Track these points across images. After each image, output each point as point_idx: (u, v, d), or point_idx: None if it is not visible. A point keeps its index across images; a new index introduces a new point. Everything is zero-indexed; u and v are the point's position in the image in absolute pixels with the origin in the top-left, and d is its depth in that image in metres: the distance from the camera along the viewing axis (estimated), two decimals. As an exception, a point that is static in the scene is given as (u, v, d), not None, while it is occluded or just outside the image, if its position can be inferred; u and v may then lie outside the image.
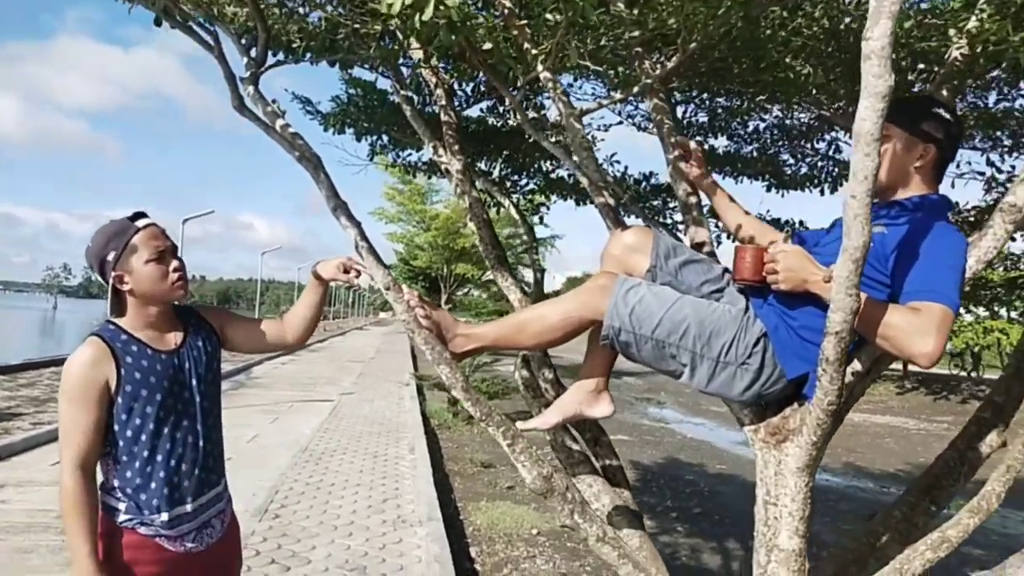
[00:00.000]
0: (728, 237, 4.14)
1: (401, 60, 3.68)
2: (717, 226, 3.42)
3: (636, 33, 2.06)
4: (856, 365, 1.86)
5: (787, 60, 2.43)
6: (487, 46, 1.84)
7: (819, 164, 4.38)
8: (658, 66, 2.26)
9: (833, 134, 4.18)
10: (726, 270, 2.04)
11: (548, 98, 3.63)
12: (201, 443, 1.86)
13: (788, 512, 1.88)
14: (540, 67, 1.98)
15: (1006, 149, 3.17)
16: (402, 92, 3.23)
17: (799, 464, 1.84)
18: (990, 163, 3.30)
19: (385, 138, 4.43)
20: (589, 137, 2.40)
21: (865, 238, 1.47)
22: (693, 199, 2.34)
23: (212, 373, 1.94)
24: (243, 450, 7.57)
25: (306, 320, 2.09)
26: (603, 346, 1.88)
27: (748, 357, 1.84)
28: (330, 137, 4.34)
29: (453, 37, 1.74)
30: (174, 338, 1.87)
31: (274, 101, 2.24)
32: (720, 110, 4.10)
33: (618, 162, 4.02)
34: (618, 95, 2.26)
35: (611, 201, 2.25)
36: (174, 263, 1.82)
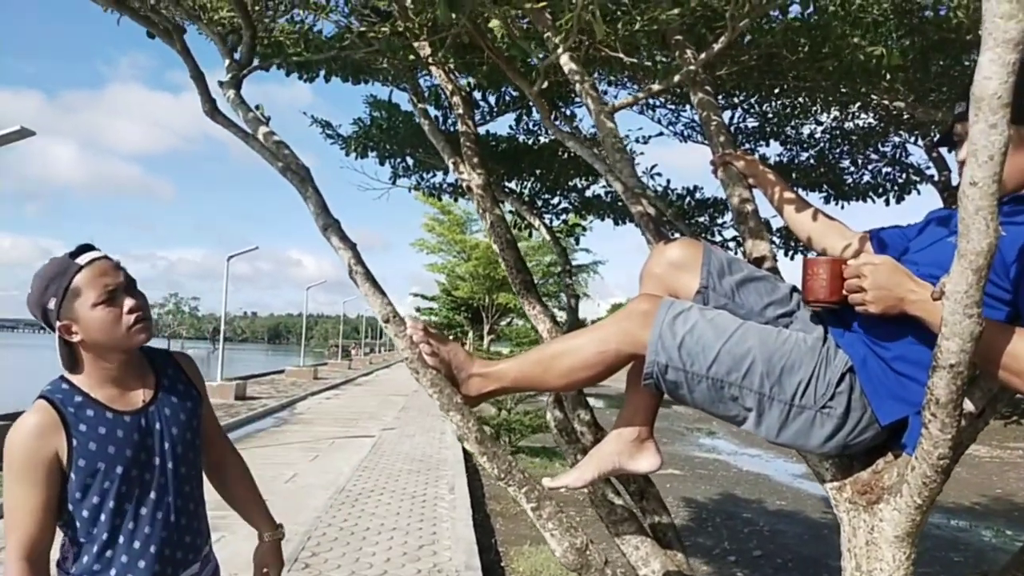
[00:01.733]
0: (792, 252, 3.75)
1: (419, 73, 3.43)
2: (775, 241, 3.03)
3: (675, 12, 1.73)
4: (967, 405, 1.46)
5: (855, 40, 2.07)
6: (494, 23, 1.53)
7: (883, 171, 3.97)
8: (701, 55, 1.92)
9: (898, 137, 3.78)
10: (795, 289, 1.68)
11: (580, 105, 3.32)
12: (173, 518, 1.55)
13: (887, 592, 1.48)
14: (561, 50, 1.65)
15: None
16: (419, 105, 2.96)
17: (898, 532, 1.45)
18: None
19: (409, 160, 4.18)
20: (623, 139, 2.06)
21: (991, 240, 1.10)
22: (749, 207, 1.98)
23: (190, 432, 1.62)
24: (280, 491, 7.31)
25: (236, 500, 1.88)
26: (646, 386, 1.52)
27: (830, 399, 1.46)
28: (351, 161, 4.10)
29: (453, 15, 1.44)
30: (142, 394, 1.56)
31: (257, 107, 1.96)
32: (771, 114, 3.74)
33: (659, 174, 3.67)
34: (656, 86, 1.93)
35: (650, 210, 1.90)
36: (128, 303, 1.50)
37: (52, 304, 1.46)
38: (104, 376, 1.51)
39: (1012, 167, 1.43)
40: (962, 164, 1.50)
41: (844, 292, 1.39)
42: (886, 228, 1.81)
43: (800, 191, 4.10)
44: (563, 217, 4.23)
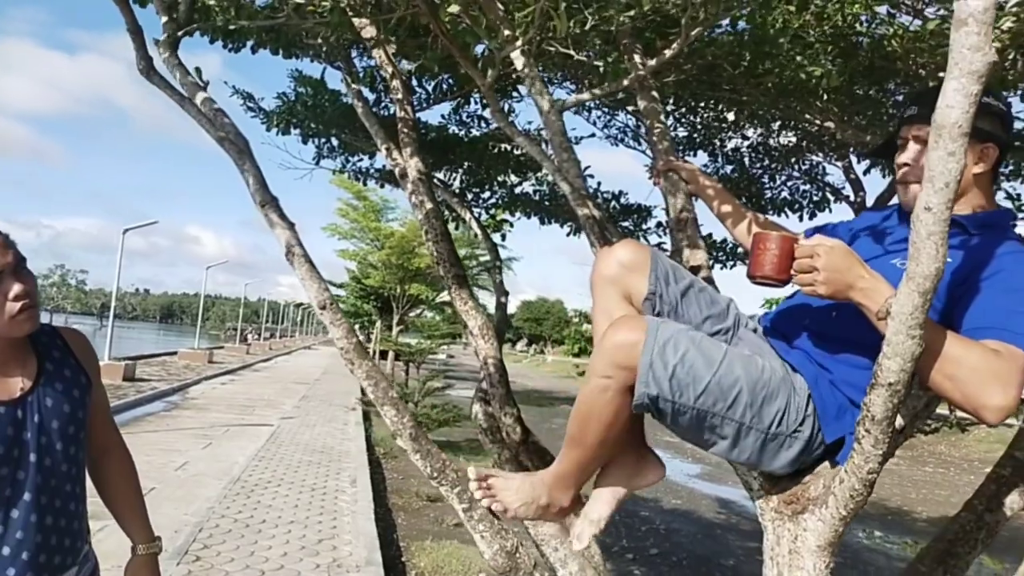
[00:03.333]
0: (723, 263, 3.84)
1: (354, 53, 3.31)
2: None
3: (631, 13, 1.72)
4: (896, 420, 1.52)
5: (797, 59, 2.12)
6: (453, 8, 1.47)
7: (801, 187, 4.13)
8: (651, 61, 1.92)
9: (817, 156, 3.94)
10: (731, 302, 1.69)
11: (518, 101, 3.29)
12: (51, 520, 1.39)
13: (806, 600, 1.52)
14: (520, 42, 1.61)
15: None
16: (353, 86, 2.85)
17: (820, 542, 1.48)
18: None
19: (335, 141, 4.03)
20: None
21: (939, 264, 1.13)
22: (688, 214, 2.00)
23: (74, 426, 1.45)
24: (169, 479, 6.95)
25: (115, 502, 1.63)
26: (636, 408, 1.44)
27: (800, 424, 1.46)
28: (272, 137, 3.92)
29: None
30: (20, 382, 1.39)
31: (197, 70, 1.82)
32: (701, 125, 3.83)
33: (591, 176, 3.69)
34: (607, 87, 1.91)
35: (595, 213, 1.89)
36: (15, 288, 1.32)
37: None
38: None
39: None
40: (901, 167, 1.53)
41: (792, 271, 1.36)
42: (820, 227, 1.85)
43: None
44: (491, 212, 4.18)
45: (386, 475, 8.59)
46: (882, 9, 2.24)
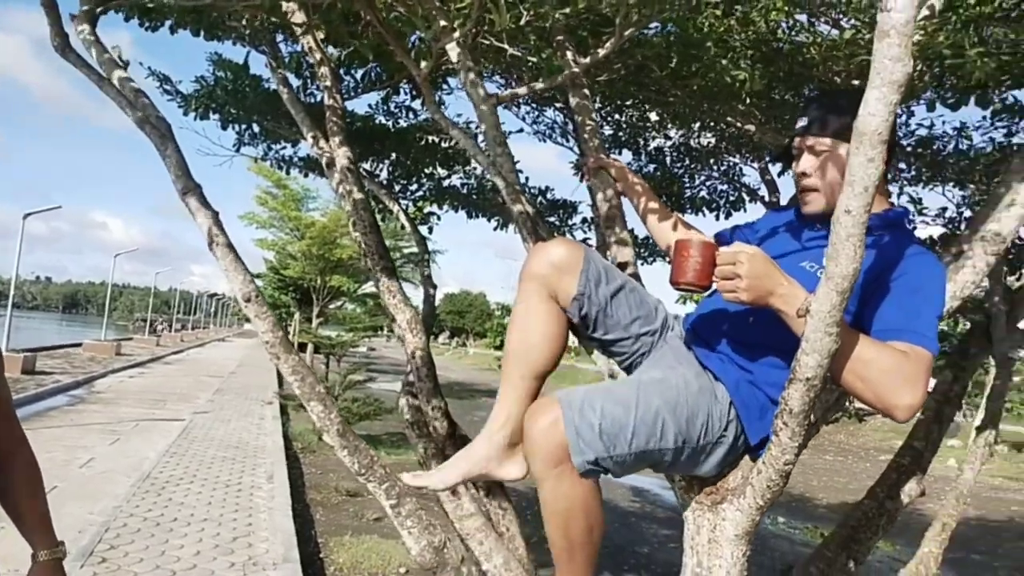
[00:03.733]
0: (645, 259, 3.92)
1: (280, 38, 3.21)
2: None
3: (566, 11, 1.73)
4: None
5: (722, 63, 2.18)
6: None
7: (719, 188, 4.26)
8: (581, 58, 1.94)
9: (735, 158, 4.07)
10: (659, 303, 1.73)
11: (448, 93, 3.27)
12: None
13: (724, 587, 1.58)
14: (457, 34, 1.60)
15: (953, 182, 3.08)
16: (278, 71, 2.76)
17: (738, 531, 1.55)
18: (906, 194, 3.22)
19: (256, 128, 3.91)
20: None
21: (856, 265, 1.19)
22: (616, 212, 2.04)
23: None
24: (74, 477, 6.60)
25: (16, 505, 1.48)
26: (585, 478, 1.43)
27: (725, 429, 1.52)
28: (190, 122, 3.76)
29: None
30: None
31: (115, 47, 1.73)
32: (626, 124, 3.89)
33: (520, 171, 3.70)
34: (541, 83, 1.92)
35: (528, 209, 1.90)
36: None
37: None
38: None
39: (840, 180, 1.54)
40: (800, 176, 1.59)
41: (714, 278, 1.39)
42: (728, 230, 1.91)
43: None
44: (418, 204, 4.14)
45: (304, 470, 8.41)
46: (803, 17, 2.33)
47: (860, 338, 1.34)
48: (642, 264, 4.02)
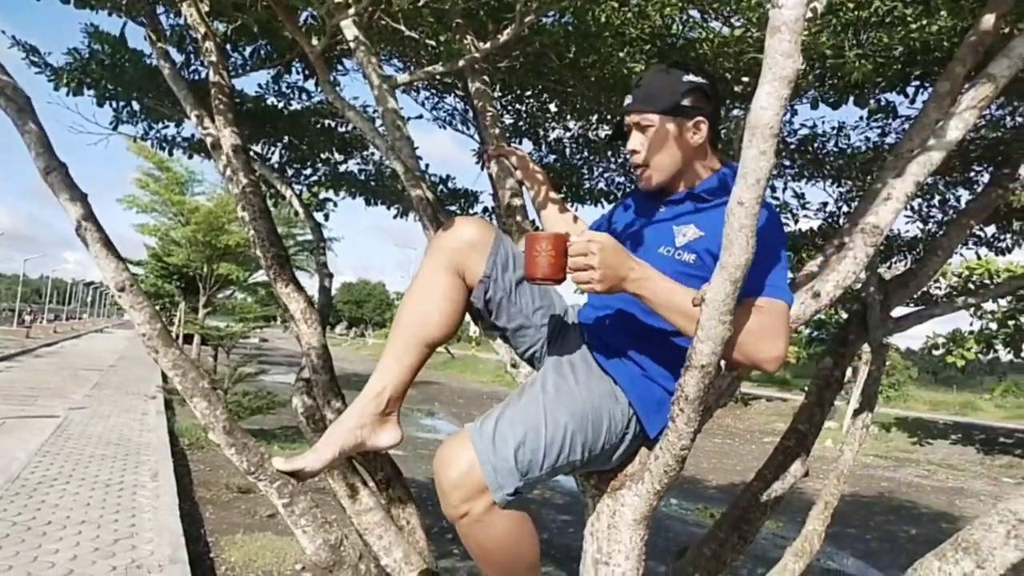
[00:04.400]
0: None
1: (161, 10, 3.01)
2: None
3: (466, -6, 1.69)
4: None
5: (619, 54, 2.20)
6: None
7: (616, 179, 4.34)
8: (481, 43, 1.91)
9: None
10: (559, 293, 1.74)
11: (343, 74, 3.16)
12: None
13: (622, 572, 1.60)
14: (352, 11, 1.53)
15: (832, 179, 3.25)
16: (159, 45, 2.59)
17: (636, 516, 1.57)
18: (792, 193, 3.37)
19: (136, 105, 3.65)
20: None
21: (749, 255, 1.23)
22: (518, 201, 2.03)
23: None
24: (-73, 481, 6.04)
25: None
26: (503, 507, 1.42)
27: (627, 427, 1.55)
28: (62, 97, 3.48)
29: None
30: None
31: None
32: (526, 113, 3.89)
33: (420, 158, 3.63)
34: (440, 67, 1.87)
35: (428, 195, 1.85)
36: None
37: None
38: None
39: (672, 151, 1.57)
40: (631, 153, 1.62)
41: (568, 269, 1.38)
42: (606, 213, 1.93)
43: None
44: (313, 190, 4.00)
45: (192, 467, 8.05)
46: (696, 13, 2.39)
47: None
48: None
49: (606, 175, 4.31)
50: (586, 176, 4.36)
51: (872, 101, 2.60)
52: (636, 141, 1.60)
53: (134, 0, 2.74)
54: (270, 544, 5.34)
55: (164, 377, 16.11)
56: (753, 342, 1.38)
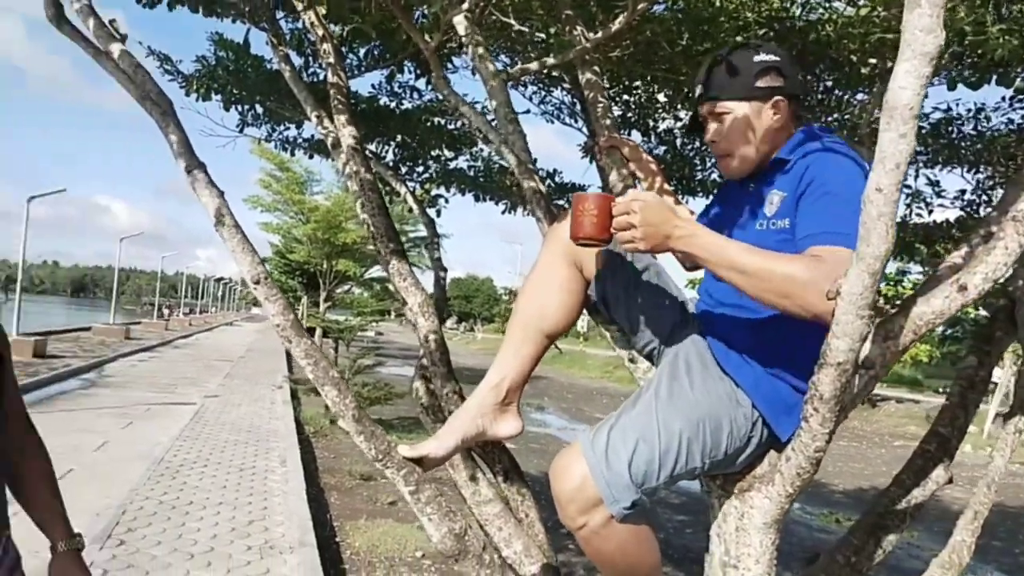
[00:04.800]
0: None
1: (281, 15, 3.15)
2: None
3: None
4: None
5: (736, 40, 2.12)
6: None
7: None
8: (597, 34, 1.88)
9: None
10: (681, 290, 1.69)
11: (452, 72, 3.20)
12: None
13: (751, 576, 1.55)
14: (465, 5, 1.54)
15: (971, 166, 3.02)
16: (280, 49, 2.71)
17: (766, 519, 1.51)
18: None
19: (259, 108, 3.85)
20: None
21: (888, 245, 1.15)
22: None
23: None
24: (88, 461, 6.63)
25: (31, 497, 1.51)
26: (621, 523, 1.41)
27: (752, 430, 1.49)
28: (192, 103, 3.71)
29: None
30: None
31: (112, 21, 1.68)
32: (634, 104, 3.82)
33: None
34: (552, 59, 1.86)
35: (542, 187, 1.85)
36: None
37: None
38: None
39: (754, 137, 1.51)
40: (711, 144, 1.58)
41: (613, 230, 1.36)
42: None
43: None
44: (425, 187, 4.10)
45: (317, 454, 8.45)
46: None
47: (772, 257, 1.31)
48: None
49: (720, 166, 4.17)
50: (698, 167, 4.24)
51: (1018, 80, 2.38)
52: (713, 131, 1.56)
53: (257, 7, 2.88)
54: (391, 531, 5.53)
55: (290, 368, 17.01)
56: (805, 294, 1.27)
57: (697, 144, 4.16)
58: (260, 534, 5.02)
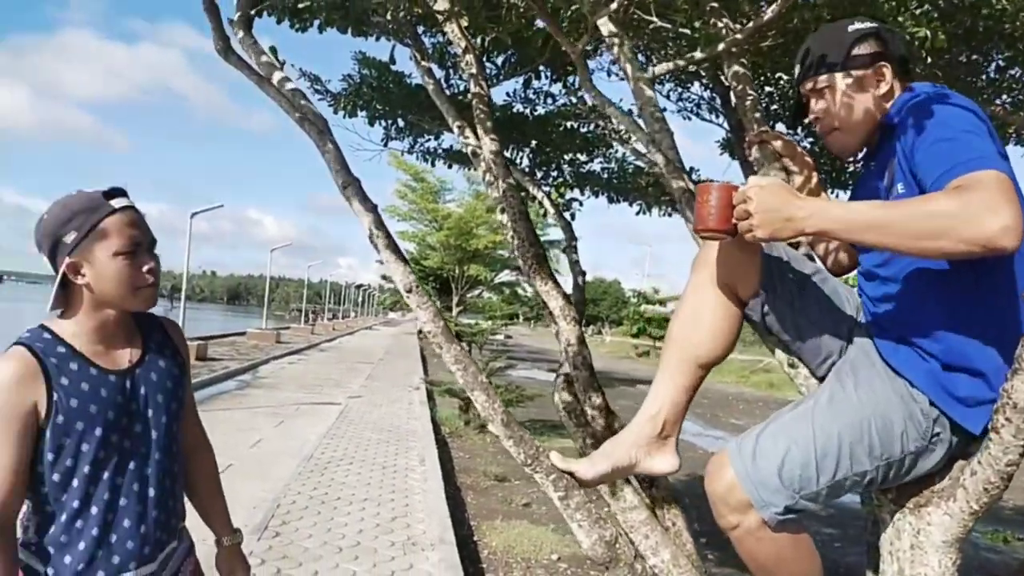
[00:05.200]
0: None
1: (422, 30, 3.26)
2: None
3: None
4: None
5: (899, 19, 1.97)
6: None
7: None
8: (748, 23, 1.81)
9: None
10: (851, 292, 1.58)
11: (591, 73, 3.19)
12: (152, 492, 1.42)
13: (929, 599, 1.42)
14: (614, 5, 1.53)
15: None
16: (423, 63, 2.80)
17: (947, 537, 1.39)
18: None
19: (401, 122, 4.01)
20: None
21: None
22: (785, 188, 1.89)
23: (176, 403, 1.49)
24: (246, 456, 7.14)
25: (199, 495, 1.66)
26: (776, 531, 1.36)
27: (933, 426, 1.37)
28: (340, 120, 3.92)
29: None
30: (128, 355, 1.43)
31: (272, 49, 1.80)
32: (778, 96, 3.66)
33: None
34: (697, 54, 1.81)
35: (691, 186, 1.80)
36: (148, 262, 1.38)
37: (70, 238, 1.33)
38: (93, 328, 1.38)
39: (862, 107, 1.45)
40: (815, 122, 1.52)
41: (734, 221, 1.30)
42: None
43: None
44: (560, 191, 4.11)
45: (452, 454, 8.66)
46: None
47: (907, 204, 1.20)
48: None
49: (827, 143, 3.92)
50: (849, 159, 3.99)
51: None
52: (817, 107, 1.51)
53: (400, 23, 2.99)
54: (526, 532, 5.57)
55: (425, 370, 17.58)
56: (963, 224, 1.13)
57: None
58: (402, 530, 5.20)
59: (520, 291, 23.96)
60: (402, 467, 7.29)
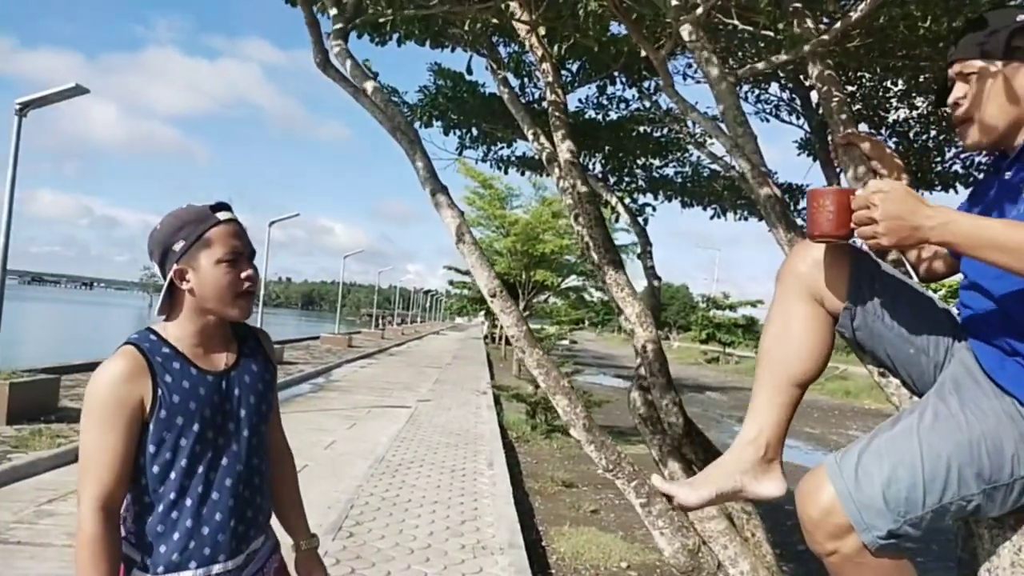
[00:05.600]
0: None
1: (496, 37, 3.30)
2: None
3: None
4: None
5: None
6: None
7: (975, 159, 3.77)
8: (836, 24, 1.77)
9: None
10: (946, 305, 1.51)
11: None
12: (242, 488, 1.49)
13: (1032, 619, 1.36)
14: (700, 10, 1.52)
15: None
16: (499, 72, 2.83)
17: (1051, 554, 1.32)
18: None
19: (475, 131, 4.07)
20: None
21: None
22: (872, 191, 1.84)
23: (266, 405, 1.57)
24: (320, 457, 7.34)
25: (279, 501, 1.71)
26: (878, 556, 1.29)
27: None
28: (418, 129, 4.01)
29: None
30: (225, 358, 1.52)
31: (366, 61, 1.86)
32: (860, 95, 3.55)
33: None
34: (784, 55, 1.78)
35: (776, 192, 1.77)
36: (248, 271, 1.48)
37: (179, 247, 1.44)
38: (194, 332, 1.48)
39: (1015, 99, 1.34)
40: (953, 107, 1.42)
41: (852, 225, 1.25)
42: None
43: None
44: (633, 196, 4.10)
45: (520, 459, 8.68)
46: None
47: None
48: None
49: (963, 156, 3.77)
50: (936, 159, 3.86)
51: None
52: (959, 91, 1.40)
53: (477, 35, 3.04)
54: (595, 539, 5.54)
55: (491, 375, 17.69)
56: None
57: (933, 133, 3.80)
58: (472, 534, 5.24)
59: (586, 296, 23.94)
60: (471, 471, 7.35)
